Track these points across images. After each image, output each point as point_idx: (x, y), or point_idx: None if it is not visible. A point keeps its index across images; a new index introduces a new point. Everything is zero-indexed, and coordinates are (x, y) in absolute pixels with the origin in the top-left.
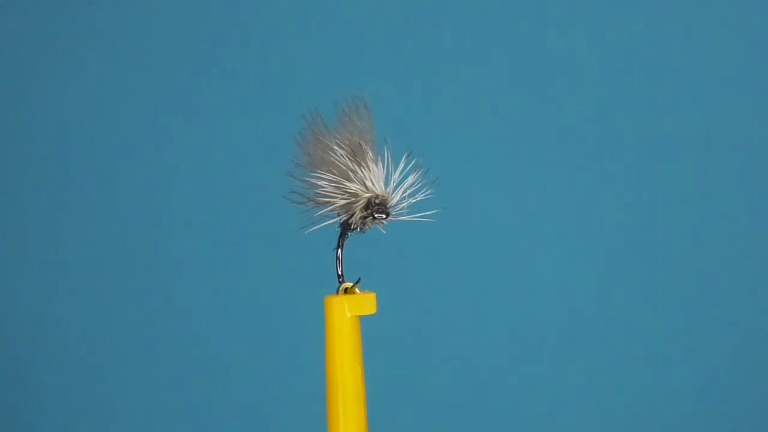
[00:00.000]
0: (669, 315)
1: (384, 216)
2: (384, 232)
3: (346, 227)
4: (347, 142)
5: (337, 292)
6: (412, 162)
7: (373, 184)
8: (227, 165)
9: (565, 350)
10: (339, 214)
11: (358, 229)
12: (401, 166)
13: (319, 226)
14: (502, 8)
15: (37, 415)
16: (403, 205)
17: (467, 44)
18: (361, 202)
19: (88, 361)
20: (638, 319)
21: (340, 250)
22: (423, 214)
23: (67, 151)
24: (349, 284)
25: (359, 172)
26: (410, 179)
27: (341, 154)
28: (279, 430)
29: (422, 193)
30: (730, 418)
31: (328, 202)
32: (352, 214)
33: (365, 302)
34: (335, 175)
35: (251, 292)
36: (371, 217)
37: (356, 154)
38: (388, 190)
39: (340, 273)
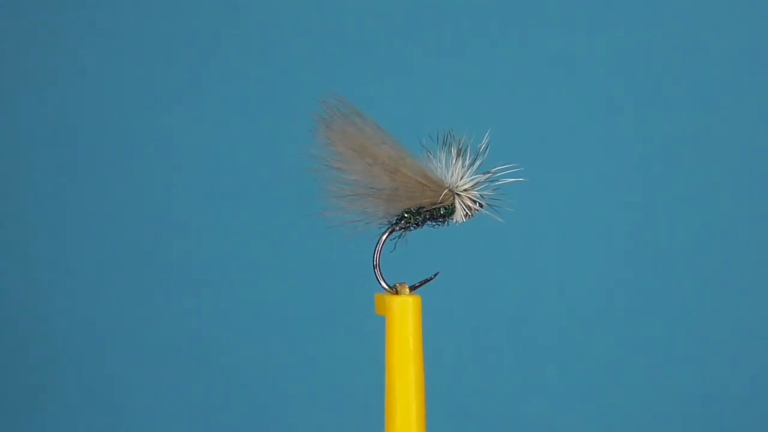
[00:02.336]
0: (671, 315)
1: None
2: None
3: (409, 224)
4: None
5: (397, 292)
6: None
7: (460, 175)
8: (236, 164)
9: (573, 351)
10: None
11: (419, 227)
12: (454, 156)
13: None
14: (502, 8)
15: (38, 415)
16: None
17: (467, 43)
18: (470, 192)
19: (96, 362)
20: (655, 324)
21: (381, 249)
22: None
23: (68, 150)
24: (403, 283)
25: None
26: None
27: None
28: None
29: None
30: (731, 418)
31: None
32: (435, 208)
33: None
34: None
35: (257, 293)
36: (470, 209)
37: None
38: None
39: (381, 271)
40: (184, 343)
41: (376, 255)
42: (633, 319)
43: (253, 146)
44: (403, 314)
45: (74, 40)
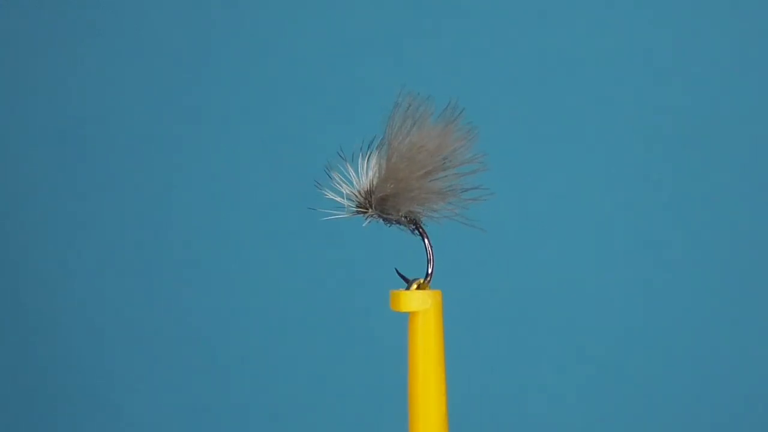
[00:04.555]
0: (671, 315)
1: None
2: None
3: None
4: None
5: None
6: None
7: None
8: (237, 164)
9: (573, 351)
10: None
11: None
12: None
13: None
14: (502, 7)
15: (40, 415)
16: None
17: (467, 43)
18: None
19: (100, 362)
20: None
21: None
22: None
23: (68, 150)
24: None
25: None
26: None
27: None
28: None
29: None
30: (731, 418)
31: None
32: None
33: None
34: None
35: (257, 293)
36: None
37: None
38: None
39: (434, 265)
40: (183, 343)
41: (429, 250)
42: (633, 319)
43: (254, 146)
44: (440, 310)
45: (74, 40)
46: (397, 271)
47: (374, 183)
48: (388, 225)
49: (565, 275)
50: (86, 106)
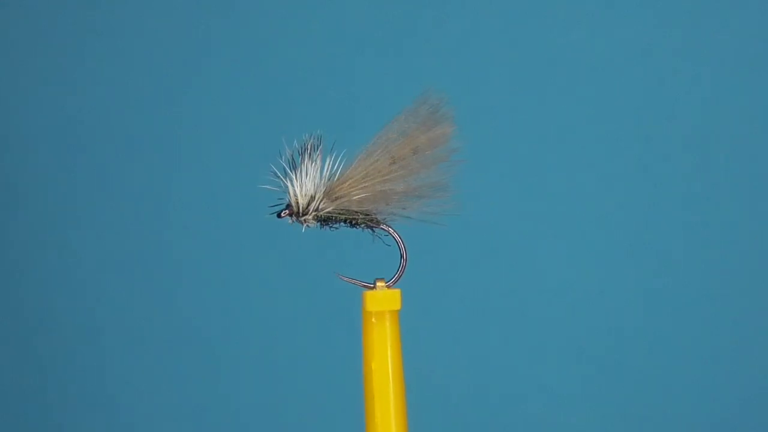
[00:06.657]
0: (672, 315)
1: None
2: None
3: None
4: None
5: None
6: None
7: None
8: (236, 163)
9: (573, 351)
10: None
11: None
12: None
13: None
14: (501, 7)
15: (39, 415)
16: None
17: (465, 43)
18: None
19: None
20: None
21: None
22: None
23: (67, 150)
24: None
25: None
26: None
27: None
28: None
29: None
30: (731, 418)
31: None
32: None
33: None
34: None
35: (255, 293)
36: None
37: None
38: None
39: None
40: (182, 343)
41: (403, 252)
42: (633, 319)
43: (251, 145)
44: (396, 308)
45: (74, 40)
46: (340, 276)
47: (328, 187)
48: (331, 228)
49: (565, 274)
50: (85, 105)
